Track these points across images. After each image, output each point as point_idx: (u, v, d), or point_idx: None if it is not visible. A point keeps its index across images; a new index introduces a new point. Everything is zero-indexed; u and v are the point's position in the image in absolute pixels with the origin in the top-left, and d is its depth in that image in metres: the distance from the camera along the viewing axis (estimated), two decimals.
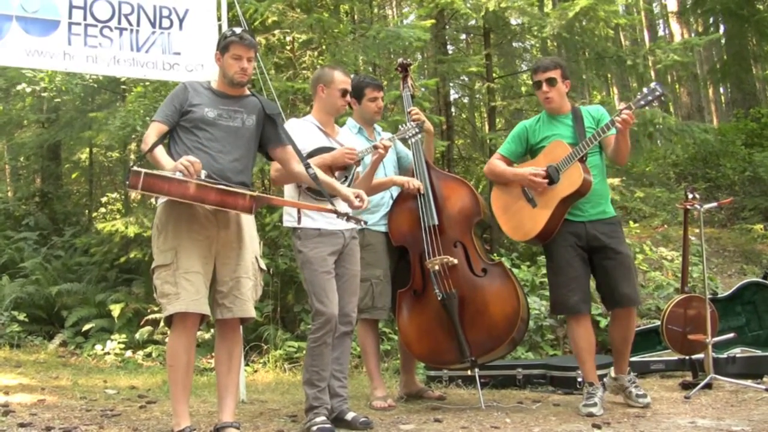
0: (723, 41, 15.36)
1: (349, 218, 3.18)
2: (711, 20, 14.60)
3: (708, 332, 4.48)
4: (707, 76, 16.70)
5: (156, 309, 6.84)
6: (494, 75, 9.70)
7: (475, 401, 4.15)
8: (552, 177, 3.88)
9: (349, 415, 3.60)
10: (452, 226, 4.19)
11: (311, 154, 3.61)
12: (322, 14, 7.35)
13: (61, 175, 12.21)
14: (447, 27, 9.73)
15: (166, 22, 4.57)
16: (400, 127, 4.02)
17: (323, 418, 3.44)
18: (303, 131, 3.71)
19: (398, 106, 7.70)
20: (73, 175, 13.07)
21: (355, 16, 10.40)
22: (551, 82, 3.97)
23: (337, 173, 3.65)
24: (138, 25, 4.50)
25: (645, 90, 3.79)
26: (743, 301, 5.43)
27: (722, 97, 19.82)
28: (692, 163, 12.36)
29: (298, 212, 3.55)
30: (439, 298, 4.05)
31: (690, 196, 4.74)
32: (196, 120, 3.18)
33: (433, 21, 8.04)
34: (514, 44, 10.84)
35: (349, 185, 3.66)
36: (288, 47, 7.68)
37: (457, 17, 9.55)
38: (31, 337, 7.43)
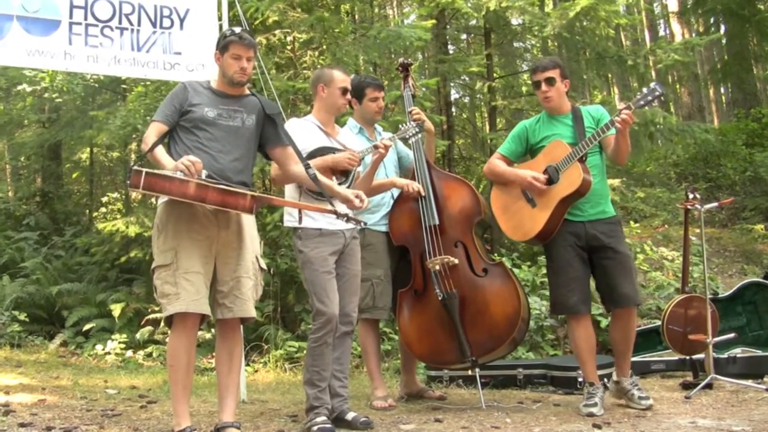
0: (724, 41, 15.36)
1: (348, 219, 3.17)
2: (712, 20, 14.61)
3: (708, 332, 4.47)
4: (708, 76, 16.71)
5: (156, 309, 6.84)
6: (495, 75, 9.70)
7: (475, 401, 4.15)
8: (552, 177, 3.88)
9: (350, 415, 3.60)
10: (453, 225, 4.19)
11: (312, 154, 3.61)
12: (322, 14, 7.35)
13: (62, 174, 12.21)
14: (448, 27, 9.73)
15: (166, 22, 4.58)
16: (400, 126, 4.02)
17: (324, 418, 3.45)
18: (304, 131, 3.71)
19: (399, 106, 7.71)
20: (74, 175, 13.07)
21: (356, 16, 10.39)
22: (550, 81, 3.97)
23: (337, 175, 3.65)
24: (139, 24, 4.50)
25: (645, 90, 3.79)
26: (744, 301, 5.43)
27: (723, 97, 19.81)
28: (693, 163, 12.36)
29: (299, 212, 3.55)
30: (439, 298, 4.05)
31: (691, 196, 4.73)
32: (196, 120, 3.18)
33: (433, 21, 8.04)
34: (514, 44, 10.83)
35: (349, 185, 3.66)
36: (289, 47, 7.67)
37: (457, 17, 9.55)
38: (32, 337, 7.43)
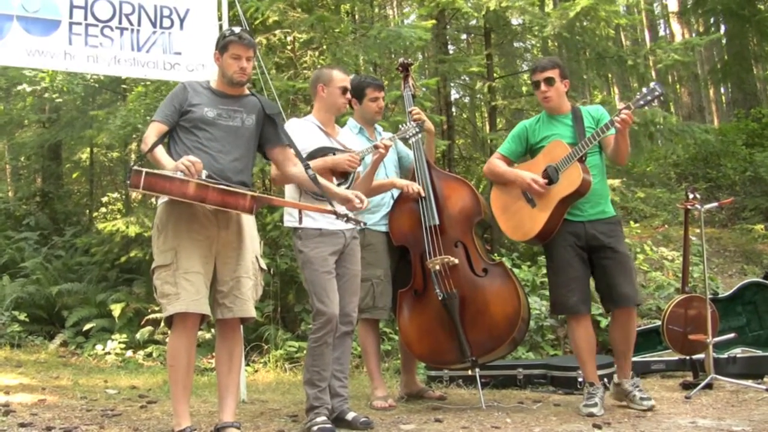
0: (724, 41, 15.36)
1: (348, 219, 3.18)
2: (712, 20, 14.61)
3: (709, 332, 4.47)
4: (708, 76, 16.71)
5: (156, 309, 6.84)
6: (495, 75, 9.70)
7: (475, 401, 4.15)
8: (551, 177, 3.88)
9: (350, 415, 3.60)
10: (453, 225, 4.19)
11: (312, 154, 3.61)
12: (323, 13, 7.35)
13: (62, 174, 12.21)
14: (448, 27, 9.73)
15: (166, 22, 4.58)
16: (400, 127, 4.02)
17: (324, 418, 3.45)
18: (304, 131, 3.71)
19: (399, 106, 7.70)
20: (74, 175, 13.07)
21: (356, 16, 10.39)
22: (549, 81, 3.97)
23: (337, 175, 3.65)
24: (139, 24, 4.50)
25: (644, 90, 3.79)
26: (744, 301, 5.43)
27: (723, 97, 19.81)
28: (693, 163, 12.36)
29: (299, 212, 3.55)
30: (439, 298, 4.05)
31: (691, 196, 4.73)
32: (196, 120, 3.18)
33: (434, 21, 8.04)
34: (515, 44, 10.83)
35: (349, 186, 3.66)
36: (289, 47, 7.67)
37: (458, 17, 9.55)
38: (32, 337, 7.43)
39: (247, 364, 5.95)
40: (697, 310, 4.69)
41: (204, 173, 2.93)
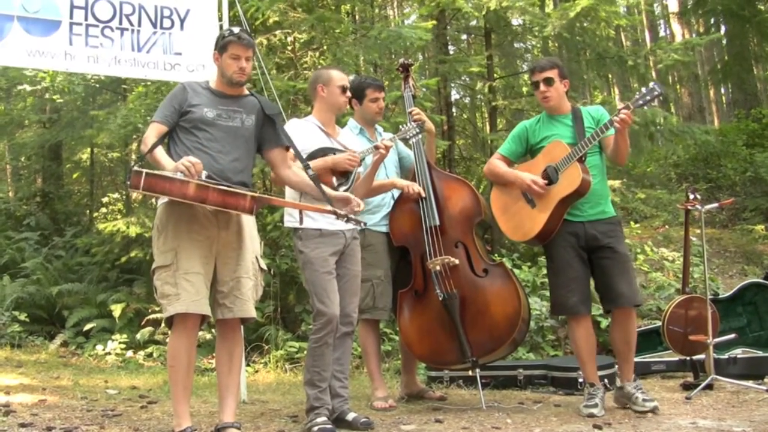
0: (724, 42, 15.35)
1: (348, 219, 3.17)
2: (712, 21, 14.60)
3: (709, 333, 4.47)
4: (708, 76, 16.70)
5: (157, 309, 6.84)
6: (495, 75, 9.70)
7: (476, 402, 4.15)
8: (551, 177, 3.88)
9: (350, 416, 3.60)
10: (453, 226, 4.19)
11: (313, 155, 3.61)
12: (323, 13, 7.34)
13: (62, 175, 12.20)
14: (448, 27, 9.73)
15: (167, 23, 4.58)
16: (401, 127, 4.03)
17: (324, 418, 3.45)
18: (304, 131, 3.71)
19: (399, 107, 7.70)
20: (74, 175, 13.07)
21: (357, 17, 10.39)
22: (548, 81, 3.97)
23: (337, 175, 3.65)
24: (139, 25, 4.51)
25: (643, 90, 3.79)
26: (744, 301, 5.43)
27: (723, 98, 19.81)
28: (693, 163, 12.36)
29: (300, 213, 3.55)
30: (440, 299, 4.05)
31: (691, 196, 4.73)
32: (196, 120, 3.18)
33: (434, 22, 8.04)
34: (515, 44, 10.84)
35: (349, 186, 3.66)
36: (289, 47, 7.67)
37: (458, 17, 9.55)
38: (32, 337, 7.43)
39: (248, 365, 5.95)
40: (697, 310, 4.69)
41: (204, 174, 2.93)
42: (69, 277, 8.24)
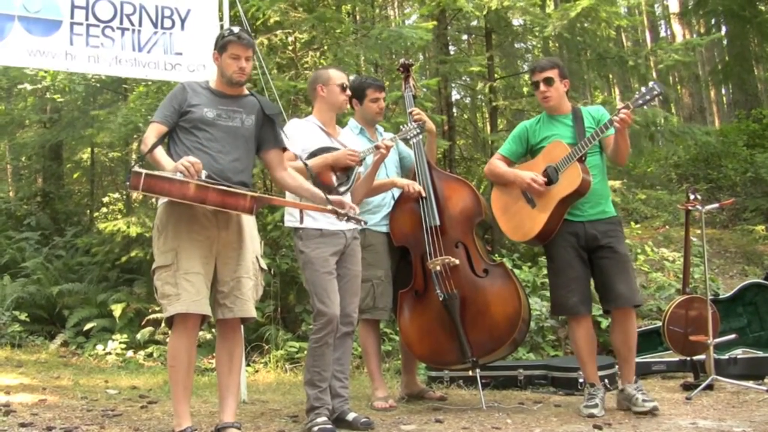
0: (725, 42, 15.35)
1: (349, 218, 3.17)
2: (713, 21, 14.61)
3: (709, 333, 4.47)
4: (709, 77, 16.71)
5: (157, 309, 6.84)
6: (496, 75, 9.70)
7: (476, 402, 4.15)
8: (551, 177, 3.88)
9: (350, 416, 3.60)
10: (454, 226, 4.19)
11: (313, 154, 3.61)
12: (323, 12, 7.34)
13: (63, 175, 12.20)
14: (449, 27, 9.73)
15: (167, 23, 4.58)
16: (401, 127, 4.03)
17: (324, 418, 3.45)
18: (305, 131, 3.71)
19: (400, 107, 7.70)
20: (75, 175, 13.07)
21: (357, 17, 10.40)
22: (548, 81, 3.97)
23: (338, 173, 3.65)
24: (140, 25, 4.51)
25: (643, 89, 3.79)
26: (745, 302, 5.43)
27: (724, 98, 19.81)
28: (694, 164, 12.37)
29: (300, 212, 3.55)
30: (440, 299, 4.05)
31: (691, 197, 4.73)
32: (196, 120, 3.18)
33: (435, 22, 8.04)
34: (515, 45, 10.83)
35: (350, 186, 3.66)
36: (290, 47, 7.68)
37: (459, 18, 9.55)
38: (33, 337, 7.43)
39: (248, 365, 5.95)
40: (697, 311, 4.69)
41: (204, 174, 2.93)
42: (69, 277, 8.24)
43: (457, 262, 4.09)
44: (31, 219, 10.21)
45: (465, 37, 12.02)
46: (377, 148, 3.73)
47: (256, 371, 6.05)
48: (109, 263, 8.14)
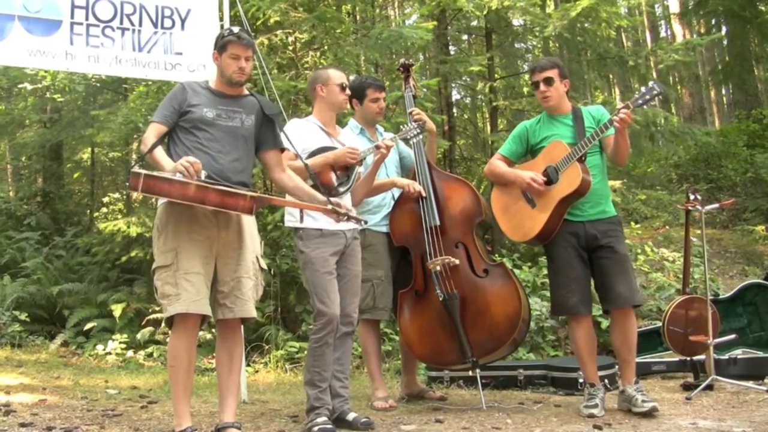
0: (725, 42, 15.35)
1: (349, 218, 3.17)
2: (713, 21, 14.61)
3: (709, 333, 4.47)
4: (709, 77, 16.71)
5: (157, 309, 6.84)
6: (496, 75, 9.70)
7: (476, 402, 4.15)
8: (551, 177, 3.88)
9: (351, 416, 3.60)
10: (454, 226, 4.19)
11: (313, 154, 3.61)
12: (324, 12, 7.34)
13: (63, 174, 12.20)
14: (449, 27, 9.72)
15: (168, 22, 4.58)
16: (401, 127, 4.03)
17: (324, 418, 3.45)
18: (305, 131, 3.71)
19: (400, 107, 7.70)
20: (75, 175, 13.06)
21: (357, 17, 10.39)
22: (548, 81, 3.97)
23: (338, 173, 3.65)
24: (140, 25, 4.51)
25: (643, 89, 3.79)
26: (745, 302, 5.43)
27: (724, 99, 19.81)
28: (694, 164, 12.37)
29: (300, 212, 3.54)
30: (440, 299, 4.05)
31: (691, 197, 4.73)
32: (195, 120, 3.18)
33: (435, 22, 8.04)
34: (516, 45, 10.83)
35: (350, 185, 3.66)
36: (290, 47, 7.68)
37: (459, 18, 9.55)
38: (33, 337, 7.43)
39: (248, 365, 5.95)
40: (697, 311, 4.69)
41: (203, 174, 2.93)
42: (69, 277, 8.24)
43: (457, 262, 4.09)
44: (32, 219, 10.21)
45: (465, 37, 12.01)
46: (377, 147, 3.73)
47: (256, 371, 6.06)
48: (109, 263, 8.15)
